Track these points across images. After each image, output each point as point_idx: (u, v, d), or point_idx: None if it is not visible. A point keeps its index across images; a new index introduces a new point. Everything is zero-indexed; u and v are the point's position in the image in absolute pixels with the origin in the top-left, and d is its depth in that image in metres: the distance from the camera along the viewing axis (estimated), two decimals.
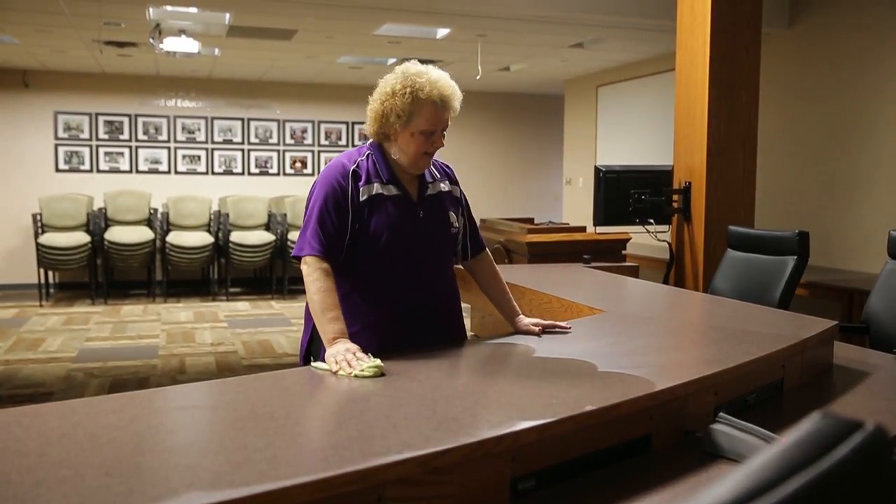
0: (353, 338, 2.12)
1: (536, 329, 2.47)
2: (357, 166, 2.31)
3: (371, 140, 2.41)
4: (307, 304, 2.26)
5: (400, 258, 2.30)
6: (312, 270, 2.19)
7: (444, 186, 2.47)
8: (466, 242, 2.53)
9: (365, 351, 2.02)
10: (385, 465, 1.33)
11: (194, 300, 9.41)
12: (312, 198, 2.29)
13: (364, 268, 2.29)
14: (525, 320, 2.51)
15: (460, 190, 2.55)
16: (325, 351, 2.10)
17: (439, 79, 2.29)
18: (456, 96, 2.31)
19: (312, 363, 2.08)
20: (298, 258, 2.25)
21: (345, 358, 1.97)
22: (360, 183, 2.29)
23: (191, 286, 9.92)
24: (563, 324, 2.54)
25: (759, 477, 0.59)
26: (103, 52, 8.19)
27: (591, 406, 1.69)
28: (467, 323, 3.66)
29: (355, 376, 1.91)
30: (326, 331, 2.11)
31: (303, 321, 2.47)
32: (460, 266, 2.62)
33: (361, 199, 2.27)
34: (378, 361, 1.96)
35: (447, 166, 2.55)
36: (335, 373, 1.95)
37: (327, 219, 2.23)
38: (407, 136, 2.29)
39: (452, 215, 2.44)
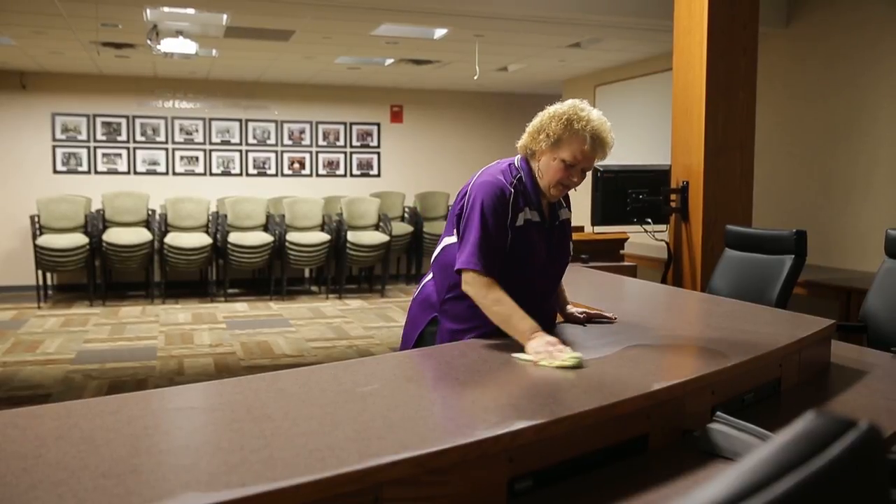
0: (462, 336, 2.38)
1: (582, 317, 2.63)
2: (515, 191, 2.43)
3: (519, 158, 2.51)
4: (422, 296, 2.56)
5: (528, 277, 2.45)
6: (479, 286, 2.32)
7: (566, 213, 2.61)
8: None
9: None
10: (382, 466, 1.33)
11: (193, 301, 9.40)
12: (473, 212, 2.38)
13: (497, 279, 2.38)
14: (571, 310, 2.67)
15: (571, 215, 2.68)
16: (445, 340, 2.40)
17: (598, 119, 2.40)
18: (608, 142, 2.41)
19: (513, 354, 2.19)
20: (462, 271, 2.36)
21: (546, 349, 2.11)
22: (519, 207, 2.42)
23: (189, 287, 9.92)
24: (608, 314, 2.67)
25: (753, 475, 0.59)
26: (101, 53, 8.18)
27: (589, 406, 1.69)
28: None
29: (557, 367, 2.04)
30: (522, 329, 2.23)
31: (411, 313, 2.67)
32: None
33: (517, 224, 2.41)
34: (578, 353, 2.08)
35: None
36: (537, 363, 2.08)
37: (492, 236, 2.35)
38: (549, 159, 2.41)
39: (570, 243, 2.63)
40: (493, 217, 2.36)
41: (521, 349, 2.18)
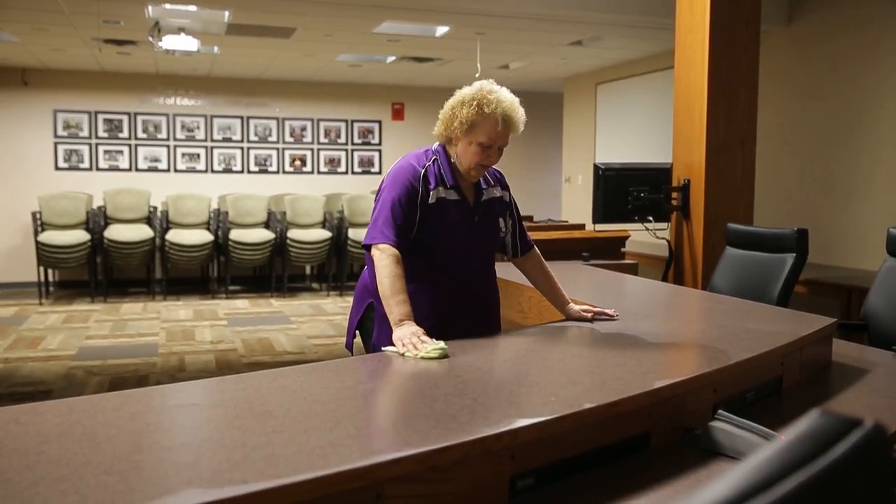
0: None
1: (588, 315, 2.63)
2: (426, 170, 2.48)
3: (437, 143, 2.57)
4: (360, 286, 2.60)
5: (454, 258, 2.49)
6: (384, 256, 2.34)
7: (497, 192, 2.64)
8: (516, 241, 2.71)
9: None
10: (384, 463, 1.33)
11: (194, 298, 9.40)
12: (383, 194, 2.45)
13: (419, 264, 2.45)
14: (575, 308, 2.67)
15: (510, 195, 2.71)
16: (379, 329, 2.42)
17: (507, 99, 2.44)
18: (519, 119, 2.45)
19: (383, 347, 2.23)
20: (368, 246, 2.42)
21: (411, 341, 2.12)
22: (430, 186, 2.47)
23: (190, 284, 9.92)
24: (610, 311, 2.67)
25: (758, 474, 0.59)
26: (102, 50, 8.18)
27: (590, 404, 1.69)
28: None
29: (421, 358, 2.06)
30: (394, 313, 2.25)
31: (350, 304, 2.71)
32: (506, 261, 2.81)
33: (430, 201, 2.45)
34: (442, 344, 2.10)
35: (499, 172, 2.70)
36: (402, 354, 2.10)
37: (399, 214, 2.40)
38: (465, 144, 2.45)
39: (501, 221, 2.64)
40: (401, 195, 2.42)
41: (520, 347, 2.18)
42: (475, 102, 2.40)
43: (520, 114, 2.45)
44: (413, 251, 2.44)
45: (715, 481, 0.59)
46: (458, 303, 2.51)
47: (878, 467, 0.65)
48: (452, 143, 2.49)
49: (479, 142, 2.42)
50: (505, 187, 2.69)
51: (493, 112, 2.39)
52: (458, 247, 2.50)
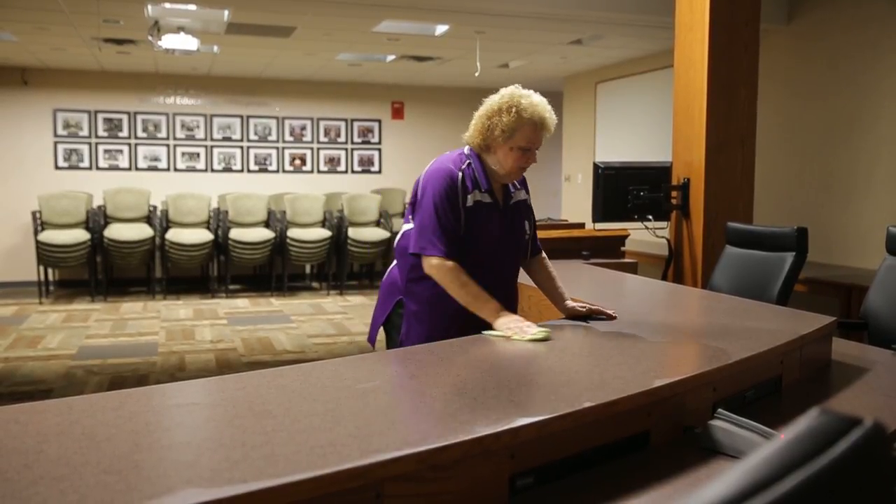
0: (426, 316, 2.55)
1: (582, 310, 2.66)
2: (463, 174, 2.56)
3: (469, 148, 2.64)
4: (388, 282, 2.70)
5: (486, 259, 2.58)
6: (446, 270, 2.47)
7: (522, 195, 2.74)
8: (531, 243, 2.80)
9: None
10: (383, 462, 1.33)
11: (194, 297, 9.41)
12: (425, 199, 2.53)
13: (458, 260, 2.52)
14: (571, 303, 2.70)
15: (529, 198, 2.82)
16: (408, 326, 2.57)
17: (540, 102, 2.54)
18: (552, 120, 2.55)
19: (484, 332, 2.37)
20: (419, 255, 2.51)
21: (518, 326, 2.31)
22: (468, 190, 2.56)
23: (190, 283, 9.92)
24: (608, 311, 2.65)
25: (758, 473, 0.59)
26: (102, 49, 8.18)
27: (590, 402, 1.69)
28: None
29: (529, 340, 2.26)
30: (489, 309, 2.41)
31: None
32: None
33: (468, 205, 2.55)
34: (546, 329, 2.29)
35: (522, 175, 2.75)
36: (509, 338, 2.28)
37: (446, 219, 2.50)
38: (506, 150, 2.53)
39: (526, 223, 2.74)
40: (444, 200, 2.50)
41: (520, 346, 2.18)
42: (513, 109, 2.49)
43: (553, 115, 2.56)
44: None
45: (715, 480, 0.59)
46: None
47: (878, 466, 0.65)
48: (490, 151, 2.57)
49: (519, 146, 2.51)
50: (527, 190, 2.79)
51: (531, 117, 2.49)
52: (490, 249, 2.59)
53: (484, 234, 2.56)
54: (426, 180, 2.56)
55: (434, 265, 2.47)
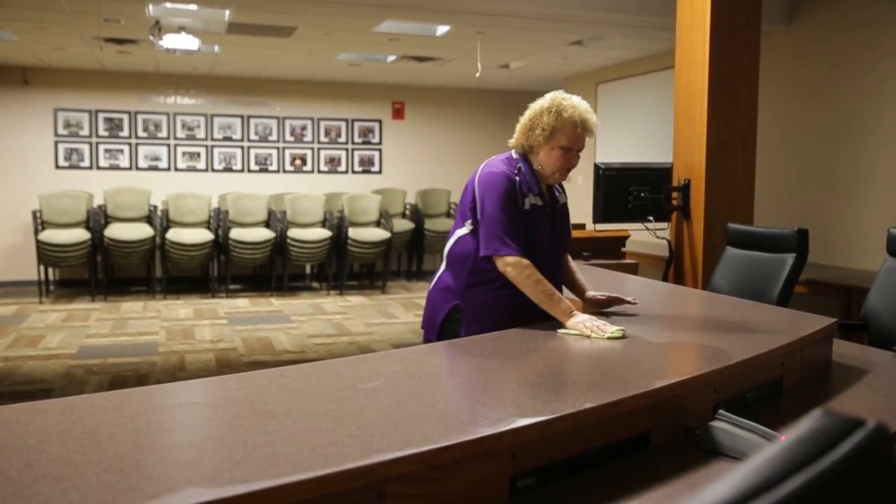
0: (483, 320, 2.58)
1: (604, 299, 2.78)
2: (519, 178, 2.64)
3: (515, 151, 2.71)
4: (442, 287, 2.72)
5: (536, 259, 2.62)
6: (521, 270, 2.53)
7: (563, 198, 2.84)
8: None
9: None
10: (385, 463, 1.33)
11: (194, 297, 9.41)
12: (487, 203, 2.58)
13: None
14: (591, 293, 2.82)
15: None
16: (466, 330, 2.60)
17: (581, 104, 2.62)
18: (594, 122, 2.62)
19: (559, 330, 2.43)
20: (491, 256, 2.56)
21: (595, 325, 2.38)
22: (524, 194, 2.63)
23: (190, 283, 9.92)
24: (629, 298, 2.78)
25: (761, 475, 0.59)
26: (103, 49, 8.18)
27: (591, 403, 1.69)
28: None
29: (607, 338, 2.33)
30: (563, 308, 2.48)
31: (423, 305, 2.88)
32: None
33: (525, 208, 2.63)
34: (622, 327, 2.37)
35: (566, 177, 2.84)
36: (590, 336, 2.35)
37: (512, 221, 2.57)
38: (547, 150, 2.62)
39: (569, 224, 2.88)
40: (508, 203, 2.57)
41: (521, 346, 2.18)
42: (554, 109, 2.58)
43: (594, 117, 2.63)
44: None
45: (717, 481, 0.59)
46: (532, 302, 2.62)
47: (880, 467, 0.65)
48: (534, 152, 2.65)
49: (560, 146, 2.59)
50: (564, 193, 2.87)
51: (571, 116, 2.57)
52: (542, 250, 2.67)
53: (538, 235, 2.65)
54: (485, 185, 2.61)
55: (510, 263, 2.53)
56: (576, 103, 2.60)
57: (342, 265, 10.05)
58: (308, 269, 10.80)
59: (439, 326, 2.73)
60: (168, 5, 6.34)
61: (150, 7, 6.36)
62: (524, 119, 2.66)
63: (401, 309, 8.79)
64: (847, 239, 6.02)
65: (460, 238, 2.69)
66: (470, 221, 2.65)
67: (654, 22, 6.49)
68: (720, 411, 1.86)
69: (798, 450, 0.62)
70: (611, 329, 2.36)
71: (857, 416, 0.66)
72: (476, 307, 2.65)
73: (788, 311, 2.96)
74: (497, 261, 2.55)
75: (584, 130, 2.60)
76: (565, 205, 2.85)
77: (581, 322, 2.42)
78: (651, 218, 4.97)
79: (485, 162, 2.72)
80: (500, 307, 2.61)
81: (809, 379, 2.45)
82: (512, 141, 2.70)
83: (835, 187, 6.17)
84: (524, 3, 6.11)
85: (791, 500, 0.58)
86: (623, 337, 2.33)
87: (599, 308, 2.76)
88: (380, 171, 11.37)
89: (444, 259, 2.78)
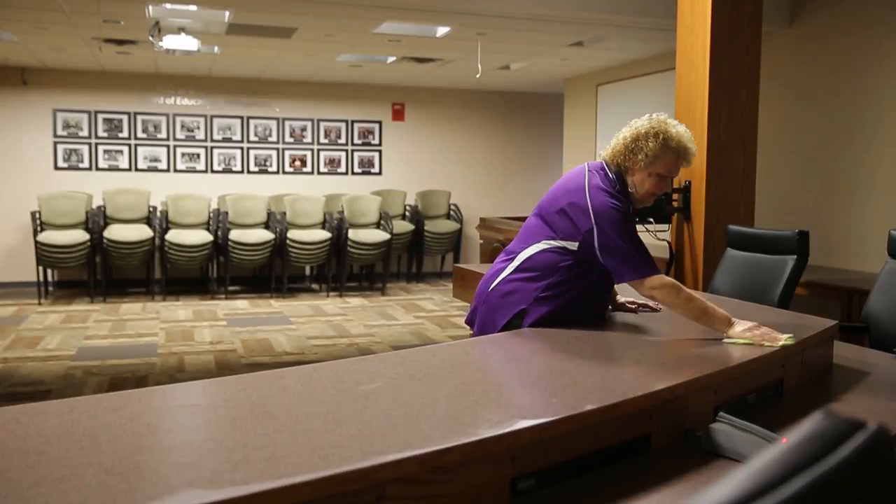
0: (546, 325, 2.55)
1: (633, 307, 2.86)
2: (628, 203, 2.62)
3: (606, 167, 2.65)
4: (508, 288, 2.64)
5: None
6: (670, 289, 2.49)
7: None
8: None
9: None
10: (385, 464, 1.33)
11: (193, 298, 9.40)
12: (613, 224, 2.51)
13: (593, 278, 2.60)
14: (622, 299, 2.89)
15: None
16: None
17: (685, 133, 2.61)
18: (694, 153, 2.62)
19: (725, 340, 2.36)
20: (642, 277, 2.51)
21: (765, 333, 2.32)
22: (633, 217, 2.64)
23: (190, 284, 9.91)
24: (652, 304, 2.86)
25: (762, 477, 0.59)
26: (102, 49, 8.18)
27: (591, 405, 1.69)
28: None
29: (782, 346, 2.27)
30: (723, 318, 2.42)
31: (471, 308, 2.85)
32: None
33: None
34: (791, 334, 2.31)
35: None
36: (761, 345, 2.28)
37: (640, 241, 2.56)
38: (644, 175, 2.59)
39: None
40: (630, 226, 2.55)
41: (521, 348, 2.17)
42: (661, 136, 2.54)
43: (695, 147, 2.63)
44: (585, 263, 2.57)
45: (718, 483, 0.59)
46: (593, 308, 2.68)
47: (882, 469, 0.65)
48: (630, 173, 2.61)
49: (658, 173, 2.57)
50: None
51: (676, 146, 2.55)
52: None
53: None
54: (601, 208, 2.52)
55: (658, 286, 2.49)
56: (681, 132, 2.58)
57: (342, 267, 10.04)
58: (308, 271, 10.80)
59: (500, 328, 2.65)
60: (168, 6, 6.34)
61: (150, 7, 6.36)
62: (625, 138, 2.60)
63: (401, 310, 8.79)
64: (848, 241, 6.02)
65: (550, 249, 2.61)
66: (577, 243, 2.55)
67: (655, 23, 6.49)
68: (721, 413, 1.86)
69: (799, 452, 0.61)
70: (783, 337, 2.29)
71: (858, 419, 0.66)
72: (543, 318, 2.58)
73: (789, 313, 2.97)
74: (639, 285, 2.51)
75: (683, 160, 2.59)
76: None
77: (747, 331, 2.34)
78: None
79: (586, 175, 2.61)
80: (569, 315, 2.58)
81: (810, 381, 2.45)
82: (607, 155, 2.64)
83: (836, 189, 6.17)
84: (524, 4, 6.11)
85: (792, 502, 0.57)
86: (794, 343, 2.28)
87: (627, 311, 2.85)
88: (380, 173, 11.37)
89: (517, 262, 2.68)
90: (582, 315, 2.63)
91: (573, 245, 2.57)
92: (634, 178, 2.60)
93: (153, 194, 9.85)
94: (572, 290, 2.59)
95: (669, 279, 2.51)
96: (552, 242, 2.61)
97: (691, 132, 2.71)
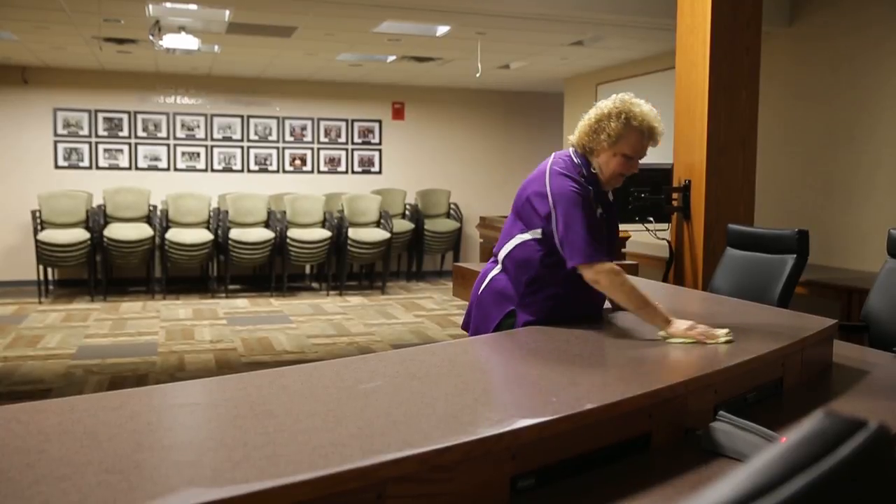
0: (537, 321, 2.53)
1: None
2: (589, 187, 2.57)
3: (574, 151, 2.63)
4: (496, 291, 2.64)
5: None
6: (614, 277, 2.45)
7: (611, 197, 2.77)
8: None
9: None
10: (385, 463, 1.33)
11: (193, 297, 9.40)
12: (565, 208, 2.49)
13: (562, 266, 2.53)
14: None
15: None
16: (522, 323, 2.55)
17: (650, 112, 2.56)
18: (660, 132, 2.58)
19: (666, 339, 2.34)
20: (586, 264, 2.46)
21: (703, 331, 2.31)
22: (594, 202, 2.58)
23: (190, 283, 9.91)
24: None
25: (762, 476, 0.59)
26: (103, 48, 8.18)
27: (591, 404, 1.69)
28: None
29: (723, 343, 2.27)
30: (660, 316, 2.39)
31: (465, 308, 2.86)
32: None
33: (597, 211, 2.58)
34: (728, 330, 2.31)
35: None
36: (704, 342, 2.28)
37: (594, 226, 2.50)
38: (609, 155, 2.56)
39: (618, 229, 2.88)
40: (587, 210, 2.50)
41: (522, 347, 2.17)
42: (623, 116, 2.50)
43: (661, 126, 2.57)
44: (552, 252, 2.54)
45: (718, 482, 0.59)
46: (589, 294, 2.59)
47: (882, 469, 0.65)
48: (594, 155, 2.58)
49: (623, 153, 2.54)
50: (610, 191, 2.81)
51: (639, 125, 2.51)
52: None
53: (600, 237, 2.60)
54: (560, 189, 2.51)
55: (602, 271, 2.45)
56: (645, 111, 2.53)
57: (342, 265, 10.04)
58: (308, 270, 10.80)
59: (492, 329, 2.65)
60: (168, 5, 6.34)
61: (150, 7, 6.36)
62: (589, 119, 2.57)
63: (401, 309, 8.79)
64: (847, 240, 6.03)
65: (524, 243, 2.60)
66: (541, 230, 2.55)
67: (655, 23, 6.49)
68: (721, 412, 1.86)
69: (799, 451, 0.62)
70: (721, 333, 2.29)
71: (858, 418, 0.66)
72: (535, 314, 2.57)
73: (789, 313, 2.97)
74: (585, 270, 2.46)
75: (649, 140, 2.56)
76: (614, 203, 2.79)
77: (686, 329, 2.33)
78: (651, 219, 4.96)
79: (549, 162, 2.61)
80: (558, 314, 2.55)
81: (810, 380, 2.45)
82: (573, 138, 2.62)
83: (835, 188, 6.17)
84: (524, 3, 6.11)
85: (792, 502, 0.58)
86: (730, 342, 2.28)
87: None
88: (380, 172, 11.37)
89: (500, 262, 2.69)
90: (575, 308, 2.60)
91: (539, 233, 2.56)
92: (600, 160, 2.57)
93: (153, 193, 9.85)
94: (554, 283, 2.56)
95: (617, 267, 2.47)
96: (524, 236, 2.60)
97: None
